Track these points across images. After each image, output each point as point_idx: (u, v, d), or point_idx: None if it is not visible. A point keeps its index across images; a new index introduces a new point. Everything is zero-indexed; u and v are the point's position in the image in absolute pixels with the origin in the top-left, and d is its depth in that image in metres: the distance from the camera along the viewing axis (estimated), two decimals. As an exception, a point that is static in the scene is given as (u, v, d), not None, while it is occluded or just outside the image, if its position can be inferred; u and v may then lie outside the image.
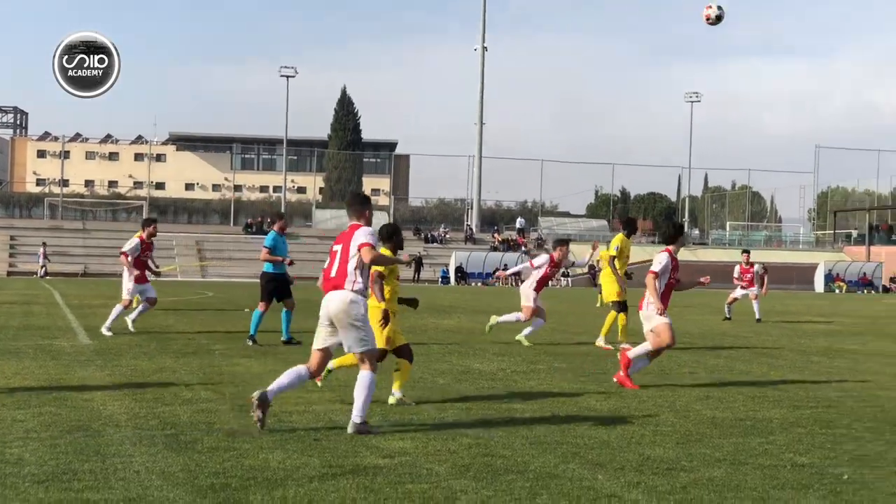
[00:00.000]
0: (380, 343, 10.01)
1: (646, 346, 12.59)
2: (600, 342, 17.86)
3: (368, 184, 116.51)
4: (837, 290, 73.42)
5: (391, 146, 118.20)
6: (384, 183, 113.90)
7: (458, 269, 72.15)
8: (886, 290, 76.59)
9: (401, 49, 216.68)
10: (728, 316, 27.31)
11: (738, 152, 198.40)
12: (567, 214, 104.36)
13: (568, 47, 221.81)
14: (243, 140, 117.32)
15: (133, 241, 19.09)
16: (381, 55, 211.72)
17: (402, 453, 7.93)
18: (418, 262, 69.92)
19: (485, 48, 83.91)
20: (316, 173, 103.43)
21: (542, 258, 18.45)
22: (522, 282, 19.32)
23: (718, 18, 17.80)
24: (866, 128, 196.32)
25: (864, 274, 77.94)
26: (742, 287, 27.98)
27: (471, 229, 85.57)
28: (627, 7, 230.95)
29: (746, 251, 29.45)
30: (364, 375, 8.90)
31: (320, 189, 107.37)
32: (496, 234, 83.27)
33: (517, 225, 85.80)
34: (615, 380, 12.51)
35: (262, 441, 8.32)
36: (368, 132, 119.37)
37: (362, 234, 9.09)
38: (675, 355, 16.47)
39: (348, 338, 8.97)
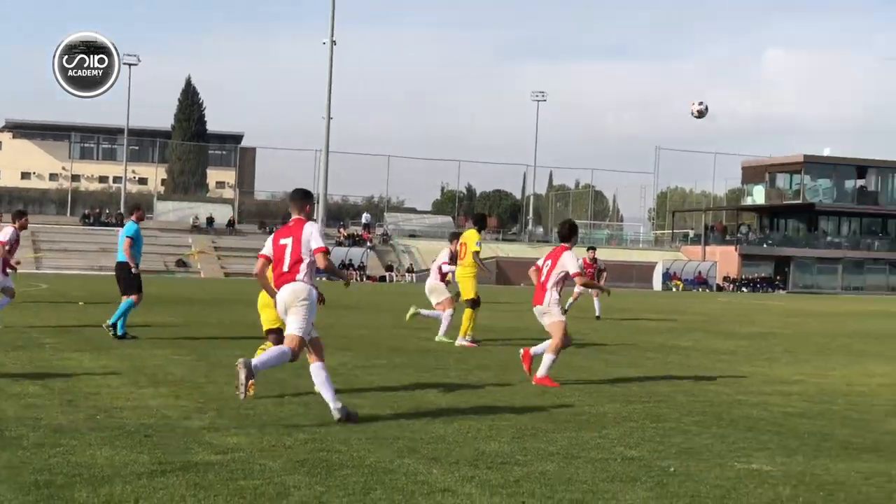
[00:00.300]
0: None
1: (547, 344, 12.74)
2: (461, 342, 17.73)
3: (213, 176, 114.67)
4: (674, 289, 75.48)
5: (237, 138, 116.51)
6: (229, 176, 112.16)
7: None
8: (720, 288, 79.08)
9: (248, 40, 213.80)
10: (565, 309, 27.44)
11: (582, 152, 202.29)
12: (413, 210, 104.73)
13: (416, 43, 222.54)
14: (83, 129, 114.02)
15: (9, 231, 18.36)
16: (227, 45, 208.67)
17: (236, 449, 7.82)
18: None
19: (333, 42, 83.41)
20: (158, 164, 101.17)
21: (445, 253, 18.84)
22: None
23: (701, 114, 18.91)
24: (704, 131, 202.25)
25: (700, 273, 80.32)
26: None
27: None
28: (475, 5, 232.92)
29: (592, 248, 29.88)
30: (317, 366, 9.48)
31: (162, 180, 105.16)
32: (342, 230, 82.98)
33: (363, 220, 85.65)
34: (535, 382, 12.44)
35: (91, 437, 8.09)
36: (214, 123, 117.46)
37: (316, 238, 9.54)
38: (514, 351, 16.67)
39: (292, 322, 9.48)
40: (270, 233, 35.64)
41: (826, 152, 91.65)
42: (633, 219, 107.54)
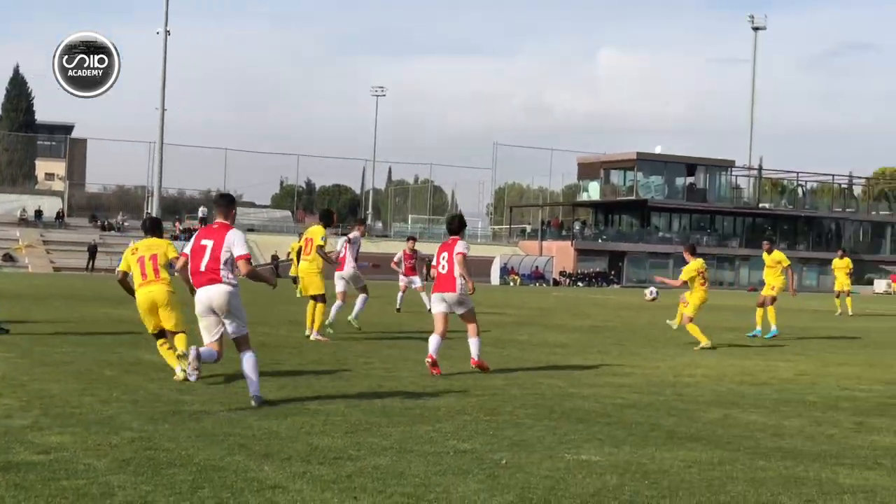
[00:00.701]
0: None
1: (475, 337, 13.75)
2: (315, 336, 17.62)
3: (42, 167, 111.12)
4: (512, 283, 76.48)
5: (67, 129, 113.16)
6: (59, 167, 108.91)
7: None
8: (556, 283, 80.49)
9: (79, 28, 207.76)
10: (399, 307, 27.52)
11: (422, 147, 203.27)
12: (252, 205, 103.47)
13: (255, 34, 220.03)
14: None
15: None
16: (57, 33, 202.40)
17: (60, 448, 7.58)
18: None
19: (168, 32, 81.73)
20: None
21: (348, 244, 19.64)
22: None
23: (653, 300, 19.94)
24: (541, 127, 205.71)
25: (537, 267, 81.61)
26: (403, 274, 27.69)
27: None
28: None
29: (413, 238, 29.42)
30: (248, 356, 10.01)
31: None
32: (177, 223, 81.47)
33: (200, 214, 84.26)
34: (473, 365, 13.56)
35: None
36: (43, 114, 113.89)
37: (240, 245, 10.22)
38: (349, 346, 16.65)
39: (231, 325, 10.15)
40: (102, 227, 35.00)
41: (658, 150, 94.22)
42: (472, 214, 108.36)
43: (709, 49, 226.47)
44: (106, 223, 79.24)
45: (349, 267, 19.33)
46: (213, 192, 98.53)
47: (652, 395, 11.81)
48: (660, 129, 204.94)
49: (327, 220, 18.83)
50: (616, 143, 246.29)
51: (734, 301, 50.16)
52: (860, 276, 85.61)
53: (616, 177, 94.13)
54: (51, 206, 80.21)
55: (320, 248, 18.11)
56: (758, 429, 9.61)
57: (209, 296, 10.09)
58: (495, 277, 78.08)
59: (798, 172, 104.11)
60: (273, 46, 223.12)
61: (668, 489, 7.00)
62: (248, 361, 10.00)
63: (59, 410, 9.29)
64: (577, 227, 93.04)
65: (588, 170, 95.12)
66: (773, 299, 22.29)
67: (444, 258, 13.63)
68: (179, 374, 11.70)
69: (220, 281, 10.09)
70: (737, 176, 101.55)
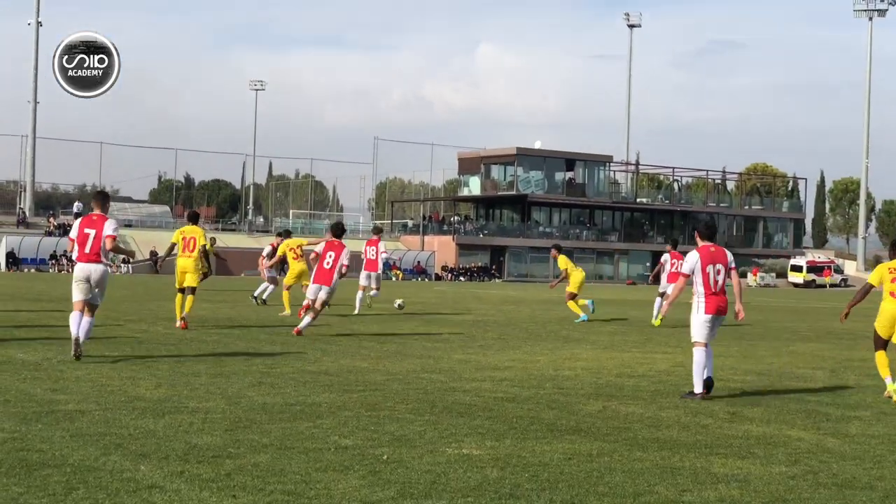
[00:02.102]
0: None
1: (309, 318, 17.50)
2: (179, 324, 18.98)
3: None
4: (394, 278, 76.48)
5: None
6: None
7: (10, 255, 68.27)
8: (439, 277, 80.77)
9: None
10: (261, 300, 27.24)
11: (302, 142, 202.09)
12: (129, 200, 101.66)
13: (130, 26, 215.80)
14: None
15: None
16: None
17: (-74, 452, 7.33)
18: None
19: (39, 23, 79.78)
20: None
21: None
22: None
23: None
24: (422, 122, 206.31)
25: (419, 262, 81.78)
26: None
27: (24, 213, 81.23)
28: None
29: (280, 234, 29.28)
30: (88, 320, 13.51)
31: None
32: (51, 219, 79.54)
33: (74, 209, 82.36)
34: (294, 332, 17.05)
35: None
36: None
37: (110, 227, 13.56)
38: (230, 342, 16.46)
39: (97, 296, 13.67)
40: None
41: (537, 145, 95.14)
42: (353, 209, 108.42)
43: (587, 45, 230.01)
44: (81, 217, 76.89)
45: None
46: (88, 187, 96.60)
47: (532, 388, 11.92)
48: (539, 123, 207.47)
49: (195, 220, 20.22)
50: (496, 138, 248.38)
51: (613, 295, 51.00)
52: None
53: (496, 172, 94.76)
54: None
55: (203, 246, 19.40)
56: (635, 420, 9.77)
57: (89, 270, 13.53)
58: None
59: (673, 168, 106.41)
60: (151, 39, 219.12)
61: (548, 481, 7.07)
62: (87, 323, 13.50)
63: (-74, 412, 8.99)
64: (458, 221, 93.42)
65: (468, 165, 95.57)
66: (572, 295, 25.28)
67: (331, 256, 18.00)
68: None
69: (100, 262, 13.57)
70: (615, 171, 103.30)
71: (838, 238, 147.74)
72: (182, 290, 19.07)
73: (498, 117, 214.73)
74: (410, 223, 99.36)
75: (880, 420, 10.30)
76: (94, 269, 13.46)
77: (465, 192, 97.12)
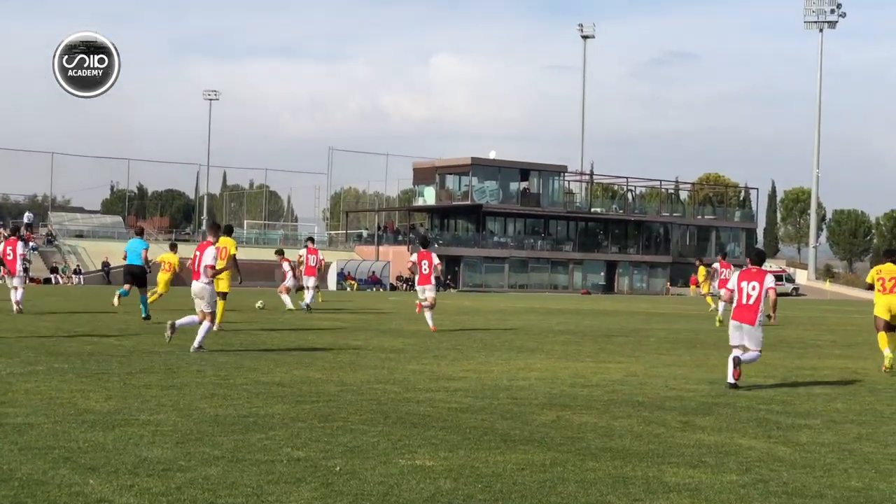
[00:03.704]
0: None
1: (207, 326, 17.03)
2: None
3: None
4: (349, 288, 76.36)
5: None
6: None
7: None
8: (394, 287, 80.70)
9: None
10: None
11: (257, 152, 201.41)
12: (81, 210, 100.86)
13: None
14: None
15: None
16: None
17: None
18: None
19: (-9, 31, 78.98)
20: None
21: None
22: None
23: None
24: (376, 133, 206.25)
25: (374, 272, 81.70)
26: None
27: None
28: None
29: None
30: (207, 325, 16.42)
31: None
32: (2, 230, 78.66)
33: (25, 220, 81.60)
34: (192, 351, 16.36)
35: None
36: None
37: (209, 257, 16.37)
38: (182, 354, 16.31)
39: (207, 305, 16.54)
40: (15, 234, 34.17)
41: (492, 155, 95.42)
42: (308, 219, 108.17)
43: (541, 56, 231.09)
44: (17, 231, 75.94)
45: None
46: (38, 196, 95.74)
47: (486, 398, 11.92)
48: (494, 134, 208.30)
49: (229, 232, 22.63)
50: (451, 149, 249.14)
51: (567, 304, 51.19)
52: (686, 278, 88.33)
53: (451, 182, 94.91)
54: None
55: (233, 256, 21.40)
56: (589, 430, 9.80)
57: (196, 287, 16.65)
58: (332, 282, 77.80)
59: (627, 178, 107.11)
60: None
61: (501, 492, 7.07)
62: (204, 328, 16.54)
63: None
64: (413, 231, 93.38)
65: (423, 175, 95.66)
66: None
67: (426, 263, 22.66)
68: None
69: (202, 280, 16.59)
70: (569, 181, 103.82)
71: (789, 247, 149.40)
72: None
73: (454, 128, 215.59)
74: (365, 233, 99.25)
75: (830, 428, 10.39)
76: (198, 286, 16.62)
77: (419, 202, 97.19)
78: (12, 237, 28.87)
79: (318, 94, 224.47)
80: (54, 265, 74.04)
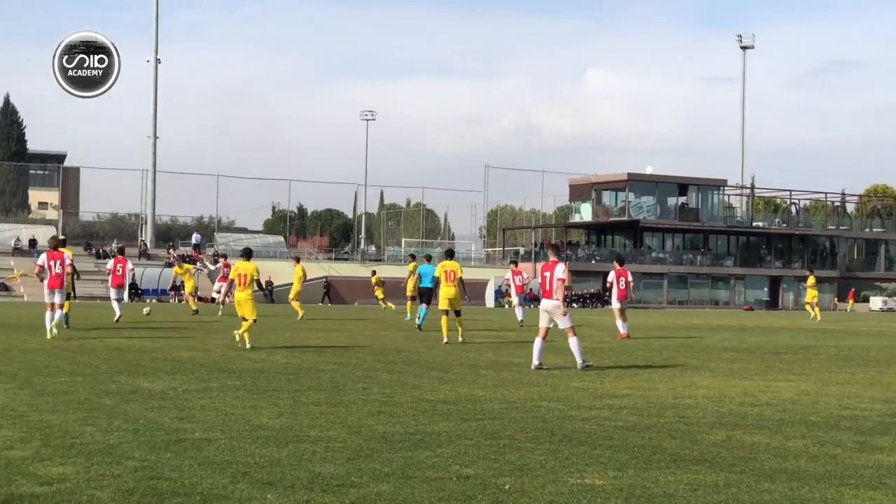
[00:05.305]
0: None
1: None
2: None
3: (35, 197, 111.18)
4: (507, 305, 76.38)
5: (60, 158, 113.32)
6: (52, 196, 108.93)
7: (132, 286, 69.98)
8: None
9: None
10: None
11: (413, 170, 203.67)
12: (244, 230, 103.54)
13: (243, 61, 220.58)
14: None
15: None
16: (46, 61, 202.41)
17: (62, 479, 7.54)
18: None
19: (158, 60, 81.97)
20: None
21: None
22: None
23: None
24: (531, 149, 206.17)
25: (531, 289, 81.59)
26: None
27: (145, 245, 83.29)
28: (298, 21, 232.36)
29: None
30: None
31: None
32: (171, 250, 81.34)
33: (193, 241, 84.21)
34: None
35: None
36: (35, 143, 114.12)
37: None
38: (347, 372, 16.59)
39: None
40: (97, 255, 37.09)
41: (649, 170, 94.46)
42: (465, 236, 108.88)
43: (697, 68, 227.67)
44: (101, 251, 79.08)
45: None
46: (205, 218, 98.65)
47: (652, 417, 11.78)
48: (650, 149, 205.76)
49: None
50: (606, 164, 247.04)
51: (730, 321, 50.19)
52: (857, 293, 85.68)
53: (607, 198, 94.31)
54: (45, 236, 79.87)
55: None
56: (761, 450, 9.58)
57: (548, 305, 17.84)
58: (490, 300, 78.01)
59: (791, 190, 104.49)
60: (261, 71, 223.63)
61: (674, 512, 6.97)
62: None
63: (60, 441, 9.24)
64: (570, 248, 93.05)
65: (579, 191, 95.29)
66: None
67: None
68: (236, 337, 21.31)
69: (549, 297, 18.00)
70: (729, 195, 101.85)
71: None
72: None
73: (608, 143, 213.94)
74: (522, 250, 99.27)
75: None
76: (550, 303, 18.01)
77: (576, 218, 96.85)
78: (119, 256, 30.40)
79: (471, 111, 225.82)
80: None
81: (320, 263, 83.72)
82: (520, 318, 36.71)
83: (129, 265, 31.43)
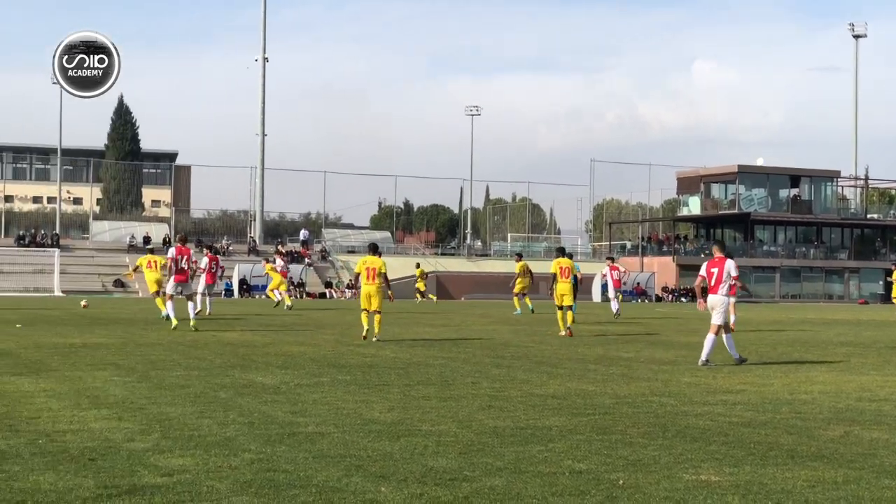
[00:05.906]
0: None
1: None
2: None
3: (148, 195, 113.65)
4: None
5: (171, 157, 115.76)
6: (165, 194, 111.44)
7: (242, 282, 71.18)
8: (659, 299, 79.68)
9: (180, 58, 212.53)
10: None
11: (518, 165, 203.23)
12: (351, 226, 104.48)
13: (348, 58, 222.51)
14: (14, 149, 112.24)
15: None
16: (159, 63, 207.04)
17: (182, 471, 7.70)
18: None
19: (266, 59, 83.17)
20: (93, 184, 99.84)
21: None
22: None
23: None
24: (638, 143, 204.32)
25: (638, 284, 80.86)
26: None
27: (254, 241, 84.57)
28: (403, 19, 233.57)
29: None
30: None
31: (97, 200, 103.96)
32: (280, 247, 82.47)
33: (301, 237, 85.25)
34: None
35: (33, 462, 7.93)
36: (148, 142, 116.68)
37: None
38: (456, 366, 16.64)
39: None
40: (209, 250, 36.58)
41: (759, 162, 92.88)
42: (571, 231, 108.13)
43: (807, 58, 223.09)
44: (212, 247, 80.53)
45: None
46: (312, 214, 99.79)
47: (768, 412, 11.59)
48: (757, 140, 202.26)
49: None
50: (714, 157, 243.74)
51: (845, 315, 49.12)
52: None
53: (717, 190, 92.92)
54: (158, 233, 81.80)
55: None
56: (881, 446, 9.37)
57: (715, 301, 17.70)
58: (597, 294, 77.50)
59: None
60: (366, 68, 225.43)
61: (793, 509, 6.85)
62: None
63: (179, 433, 9.44)
64: (678, 241, 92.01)
65: (687, 184, 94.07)
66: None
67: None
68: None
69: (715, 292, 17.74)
70: (843, 186, 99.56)
71: None
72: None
73: (716, 135, 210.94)
74: (629, 244, 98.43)
75: None
76: (717, 299, 17.71)
77: (684, 211, 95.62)
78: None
79: (576, 105, 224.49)
80: (329, 280, 76.96)
81: (428, 259, 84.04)
82: (615, 309, 38.08)
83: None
